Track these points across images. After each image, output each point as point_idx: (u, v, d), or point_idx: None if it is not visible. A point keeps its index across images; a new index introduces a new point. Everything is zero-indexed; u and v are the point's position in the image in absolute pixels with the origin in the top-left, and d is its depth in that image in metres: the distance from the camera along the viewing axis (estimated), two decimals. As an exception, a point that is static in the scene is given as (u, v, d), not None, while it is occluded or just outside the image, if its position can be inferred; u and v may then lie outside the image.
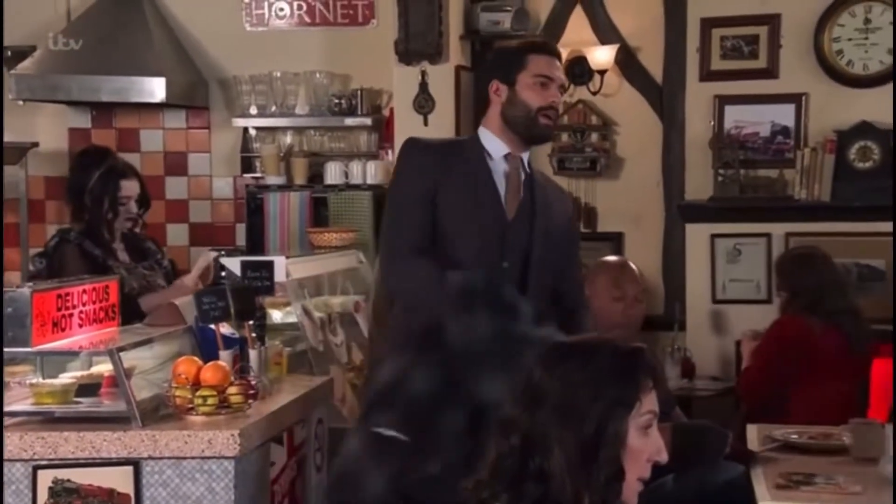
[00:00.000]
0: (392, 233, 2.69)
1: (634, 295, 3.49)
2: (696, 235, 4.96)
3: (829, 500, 2.67)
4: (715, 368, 4.86)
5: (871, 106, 4.79)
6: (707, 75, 4.97)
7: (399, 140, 4.94)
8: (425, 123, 4.90)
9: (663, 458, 1.56)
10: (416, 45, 4.87)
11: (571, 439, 1.49)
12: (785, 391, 3.77)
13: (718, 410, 4.22)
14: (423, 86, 4.90)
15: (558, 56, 2.76)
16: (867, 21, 4.83)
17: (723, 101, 4.95)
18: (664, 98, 5.12)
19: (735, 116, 4.94)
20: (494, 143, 2.72)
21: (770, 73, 4.91)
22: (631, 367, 1.56)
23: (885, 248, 4.77)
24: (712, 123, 4.97)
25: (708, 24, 4.97)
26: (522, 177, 2.75)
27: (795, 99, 4.87)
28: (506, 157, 2.73)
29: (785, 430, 3.24)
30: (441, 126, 4.88)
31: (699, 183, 4.96)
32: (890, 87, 4.78)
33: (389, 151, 5.19)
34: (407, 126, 4.92)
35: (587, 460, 1.48)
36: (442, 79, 4.90)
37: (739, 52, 4.96)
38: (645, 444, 1.54)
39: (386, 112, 5.38)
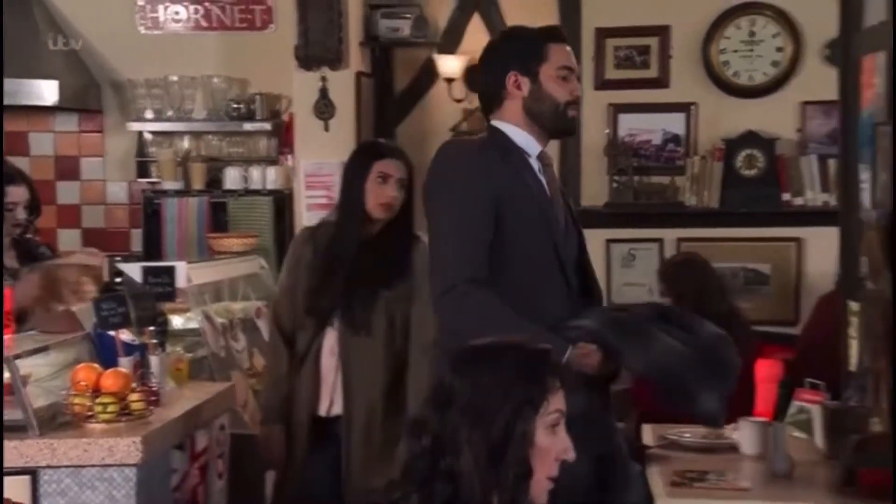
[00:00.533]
0: (444, 263, 2.34)
1: None
2: (592, 240, 5.02)
3: (721, 496, 2.77)
4: (610, 370, 4.98)
5: (757, 116, 4.98)
6: (602, 84, 5.10)
7: (301, 146, 4.96)
8: (326, 129, 4.91)
9: (570, 456, 1.60)
10: (316, 51, 4.87)
11: (480, 439, 1.53)
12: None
13: (614, 411, 4.32)
14: (324, 91, 4.90)
15: (568, 41, 2.56)
16: (752, 34, 5.03)
17: (617, 109, 5.08)
18: (560, 106, 5.23)
19: (629, 124, 5.08)
20: (527, 140, 2.47)
21: (661, 82, 5.06)
22: (538, 368, 1.60)
23: (769, 253, 4.97)
24: (607, 131, 5.10)
25: (602, 34, 5.10)
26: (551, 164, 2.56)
27: (685, 108, 5.04)
28: (539, 155, 2.51)
29: (678, 430, 3.35)
30: (342, 132, 4.90)
31: (595, 189, 5.08)
32: (773, 97, 4.99)
33: (289, 156, 5.18)
34: (307, 131, 4.92)
35: (495, 460, 1.52)
36: (342, 85, 4.92)
37: (632, 62, 5.10)
38: (553, 443, 1.58)
39: (285, 117, 5.36)
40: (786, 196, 4.94)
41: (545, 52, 2.46)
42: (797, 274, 4.99)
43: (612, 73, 5.10)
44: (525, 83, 2.46)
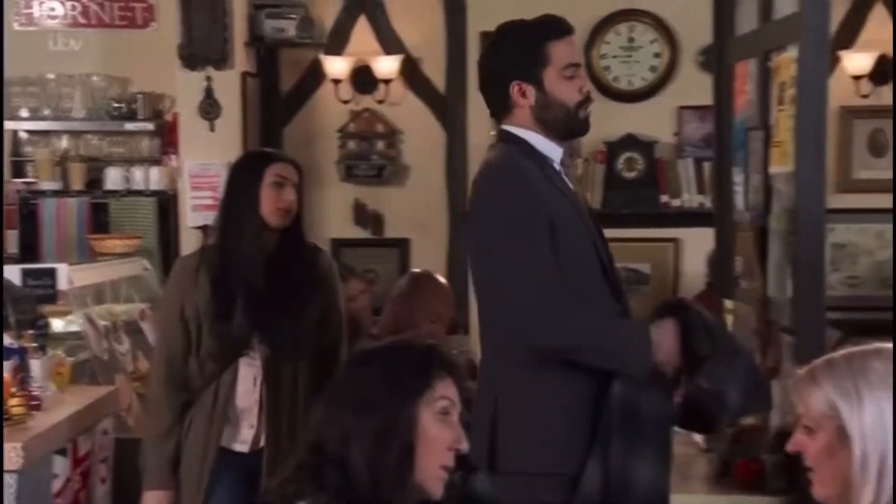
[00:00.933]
0: (529, 291, 2.16)
1: (448, 317, 3.63)
2: (478, 241, 5.15)
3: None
4: (497, 369, 5.05)
5: (636, 119, 5.14)
6: (487, 87, 5.18)
7: (185, 146, 4.88)
8: (211, 129, 4.85)
9: (464, 447, 1.64)
10: (201, 51, 4.81)
11: (366, 427, 1.57)
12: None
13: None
14: (209, 91, 4.84)
15: (573, 30, 2.36)
16: (631, 40, 5.18)
17: (501, 112, 5.16)
18: (447, 108, 5.29)
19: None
20: (547, 145, 2.31)
21: (545, 86, 5.17)
22: (424, 359, 1.65)
23: (649, 253, 5.13)
24: (492, 133, 5.16)
25: (487, 38, 5.17)
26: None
27: (568, 111, 5.15)
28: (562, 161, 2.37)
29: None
30: (228, 132, 4.85)
31: (481, 191, 5.15)
32: (652, 102, 5.14)
33: (174, 157, 5.10)
34: (192, 132, 4.85)
35: (382, 446, 1.56)
36: (228, 84, 4.86)
37: (517, 66, 5.19)
38: (443, 432, 1.62)
39: (169, 117, 5.27)
40: (664, 198, 5.10)
41: (546, 53, 2.27)
42: (675, 273, 5.16)
43: (497, 77, 5.18)
44: (530, 91, 2.27)
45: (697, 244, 4.72)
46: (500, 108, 2.34)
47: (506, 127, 2.35)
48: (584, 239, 2.28)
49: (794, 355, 2.80)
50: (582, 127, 2.33)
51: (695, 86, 4.91)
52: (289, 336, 2.67)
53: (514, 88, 2.29)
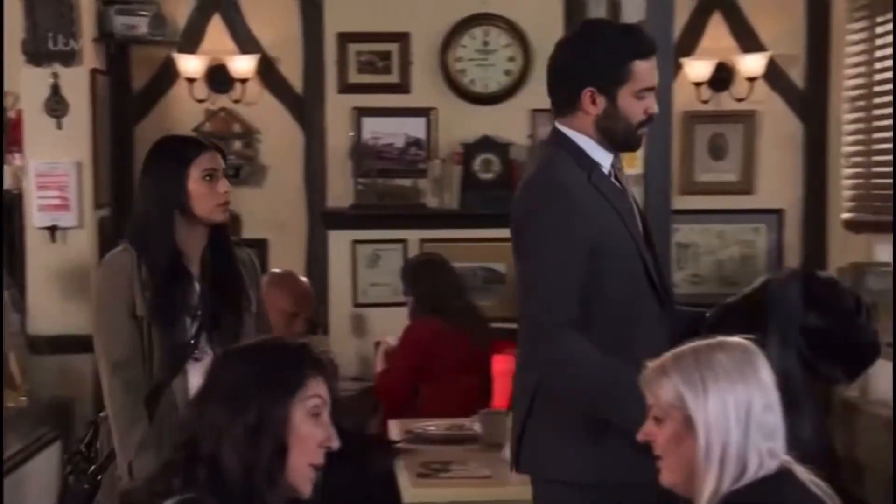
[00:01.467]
0: (539, 306, 2.22)
1: (305, 316, 3.62)
2: (339, 242, 5.16)
3: (463, 484, 2.92)
4: (356, 369, 5.07)
5: (492, 122, 5.23)
6: (345, 88, 5.18)
7: (30, 145, 4.70)
8: (59, 127, 4.69)
9: (334, 444, 1.66)
10: (46, 47, 4.65)
11: (239, 426, 1.57)
12: (417, 388, 4.04)
13: (359, 409, 4.42)
14: (56, 88, 4.68)
15: (655, 50, 2.32)
16: (486, 43, 5.27)
17: (360, 112, 5.18)
18: (304, 108, 5.27)
19: (372, 128, 5.19)
20: (598, 150, 2.32)
21: (403, 87, 5.21)
22: (297, 358, 1.66)
23: (505, 253, 5.18)
24: (351, 134, 5.19)
25: (344, 39, 5.19)
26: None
27: (425, 113, 5.21)
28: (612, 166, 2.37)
29: (423, 424, 3.47)
30: (76, 131, 4.70)
31: (340, 191, 5.16)
32: (507, 104, 5.25)
33: (17, 155, 4.90)
34: (38, 129, 4.68)
35: (252, 443, 1.56)
36: (76, 82, 4.71)
37: (374, 67, 5.22)
38: (314, 430, 1.63)
39: (12, 114, 5.06)
40: (519, 198, 5.21)
41: (629, 72, 2.25)
42: (530, 272, 5.28)
43: (355, 78, 5.19)
44: (601, 101, 2.28)
45: (552, 244, 4.83)
46: (563, 106, 2.34)
47: (561, 127, 2.35)
48: (630, 250, 2.28)
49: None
50: (636, 143, 2.36)
51: (548, 89, 5.02)
52: (234, 333, 2.53)
53: (587, 94, 2.28)
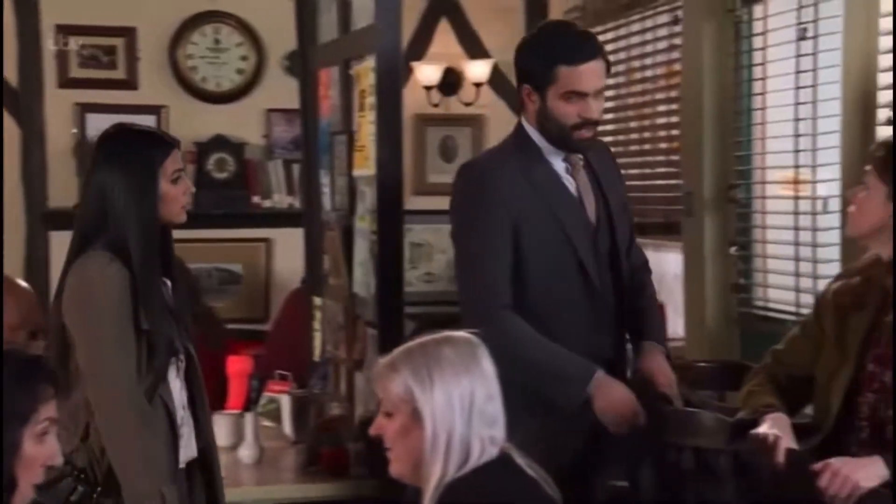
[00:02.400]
0: (475, 291, 2.38)
1: (32, 322, 3.42)
2: (62, 243, 4.88)
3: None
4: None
5: (226, 121, 5.15)
6: (66, 83, 4.94)
7: None
8: None
9: (57, 461, 1.59)
10: None
11: None
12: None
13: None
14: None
15: (600, 56, 2.41)
16: (217, 41, 5.19)
17: (84, 108, 4.95)
18: (21, 104, 4.97)
19: (98, 125, 4.93)
20: (551, 150, 2.46)
21: (130, 84, 5.04)
22: (29, 376, 1.56)
23: (241, 253, 5.18)
24: (75, 131, 4.95)
25: (64, 32, 4.94)
26: (581, 163, 2.48)
27: (156, 110, 5.05)
28: (564, 157, 2.47)
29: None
30: None
31: (65, 190, 4.90)
32: (240, 103, 5.19)
33: None
34: None
35: None
36: None
37: (98, 62, 5.01)
38: (40, 452, 1.55)
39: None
40: (255, 198, 5.17)
41: (554, 75, 2.39)
42: (267, 273, 5.25)
43: (77, 72, 4.97)
44: (536, 99, 2.43)
45: (288, 244, 4.84)
46: (518, 100, 2.52)
47: (522, 119, 2.50)
48: (553, 236, 2.40)
49: (377, 347, 2.99)
50: (576, 146, 2.45)
51: (282, 89, 5.01)
52: (187, 340, 2.42)
53: (525, 91, 2.45)
